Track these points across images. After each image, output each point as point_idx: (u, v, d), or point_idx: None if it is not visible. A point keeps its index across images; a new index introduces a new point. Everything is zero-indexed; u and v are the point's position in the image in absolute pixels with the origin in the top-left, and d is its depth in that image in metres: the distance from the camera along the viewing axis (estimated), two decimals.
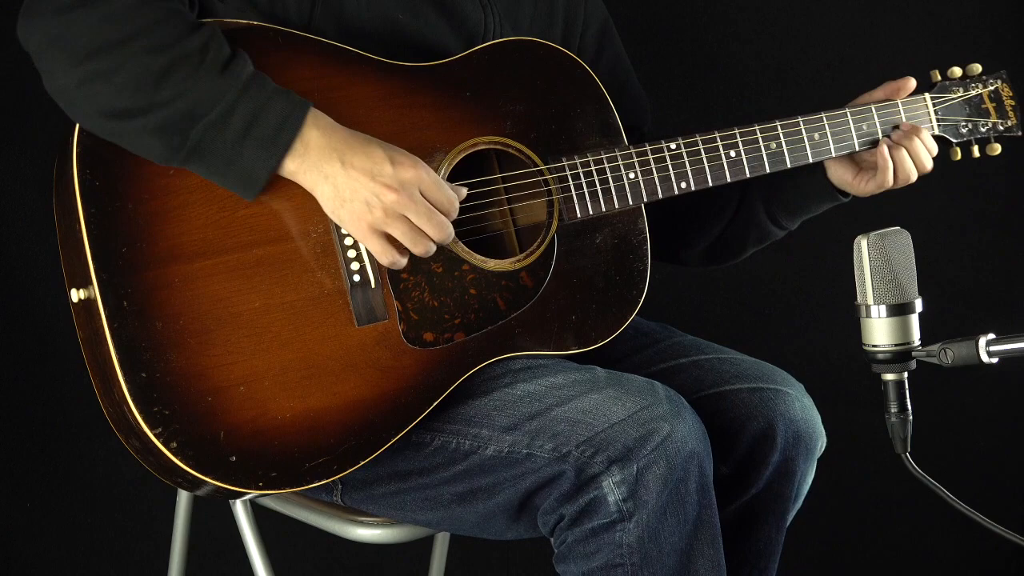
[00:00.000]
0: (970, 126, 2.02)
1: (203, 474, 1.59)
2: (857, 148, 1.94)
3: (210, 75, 1.56)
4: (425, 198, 1.63)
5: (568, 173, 1.81)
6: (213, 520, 2.12)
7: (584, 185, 1.82)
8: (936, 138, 1.99)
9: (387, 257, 1.65)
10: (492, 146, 1.79)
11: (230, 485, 1.61)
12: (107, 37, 1.54)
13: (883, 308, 1.53)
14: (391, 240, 1.64)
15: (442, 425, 1.74)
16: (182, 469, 1.59)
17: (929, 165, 1.94)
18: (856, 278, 1.55)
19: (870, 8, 2.69)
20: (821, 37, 2.70)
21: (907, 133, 1.93)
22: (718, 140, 1.88)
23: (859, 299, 1.55)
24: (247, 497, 1.89)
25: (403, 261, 1.67)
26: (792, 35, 2.71)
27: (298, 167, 1.61)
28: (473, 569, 2.77)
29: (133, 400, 1.57)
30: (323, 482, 1.65)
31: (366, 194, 1.61)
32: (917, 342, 1.54)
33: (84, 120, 1.58)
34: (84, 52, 1.54)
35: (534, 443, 1.67)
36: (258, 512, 1.94)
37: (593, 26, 2.08)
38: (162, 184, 1.62)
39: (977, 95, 2.02)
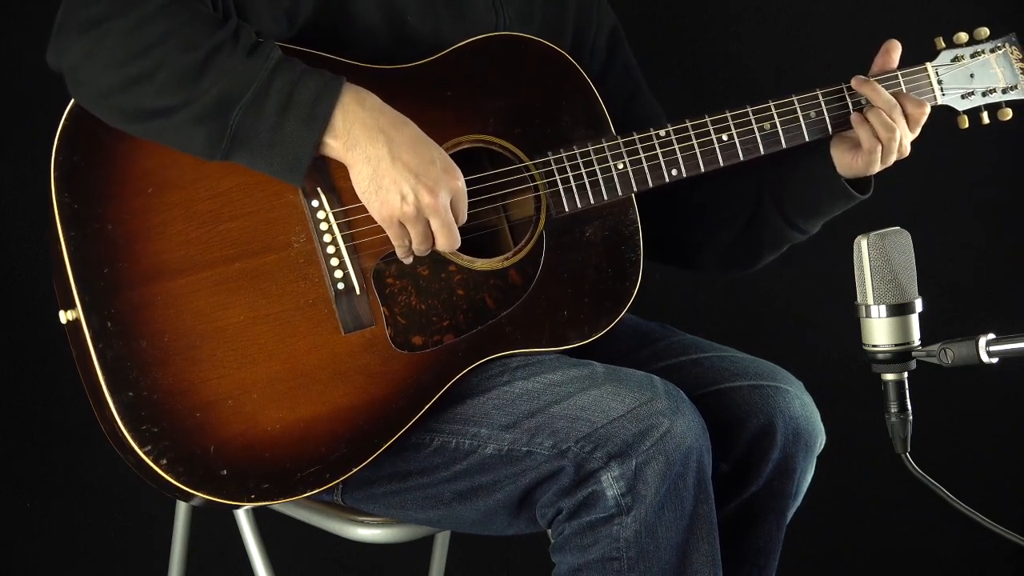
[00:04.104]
0: (978, 93, 1.96)
1: (195, 489, 1.61)
2: (853, 126, 1.87)
3: (241, 59, 1.58)
4: (451, 209, 1.65)
5: (554, 167, 1.80)
6: (213, 520, 2.12)
7: (571, 179, 1.81)
8: (941, 107, 1.94)
9: (403, 247, 1.68)
10: (475, 144, 1.78)
11: (222, 499, 1.63)
12: (142, 41, 1.56)
13: (883, 308, 1.53)
14: (405, 231, 1.66)
15: (441, 425, 1.74)
16: (173, 485, 1.60)
17: (893, 105, 1.85)
18: (856, 278, 1.54)
19: (870, 8, 2.68)
20: (821, 37, 2.70)
21: (862, 88, 1.87)
22: (709, 124, 1.85)
23: (859, 299, 1.55)
24: (241, 509, 1.90)
25: (410, 258, 1.70)
26: (792, 35, 2.71)
27: (342, 144, 1.61)
28: (473, 569, 2.77)
29: (121, 419, 1.58)
30: (316, 491, 1.66)
31: (405, 188, 1.62)
32: (917, 342, 1.54)
33: (126, 123, 1.61)
34: (122, 58, 1.56)
35: (534, 441, 1.68)
36: (258, 512, 1.94)
37: (604, 32, 2.08)
38: (141, 203, 1.63)
39: (984, 60, 1.95)
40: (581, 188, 1.81)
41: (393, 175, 1.62)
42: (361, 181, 1.63)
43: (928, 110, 1.88)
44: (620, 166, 1.83)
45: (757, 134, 1.87)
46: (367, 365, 1.69)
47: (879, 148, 1.86)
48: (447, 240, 1.67)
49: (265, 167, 1.61)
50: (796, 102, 1.88)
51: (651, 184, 1.83)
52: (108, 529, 2.62)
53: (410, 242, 1.68)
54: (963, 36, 1.97)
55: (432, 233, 1.67)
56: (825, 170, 1.93)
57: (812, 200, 1.96)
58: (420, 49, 1.79)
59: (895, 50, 1.93)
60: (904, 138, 1.88)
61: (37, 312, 2.47)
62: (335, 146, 1.61)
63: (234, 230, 1.65)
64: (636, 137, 1.83)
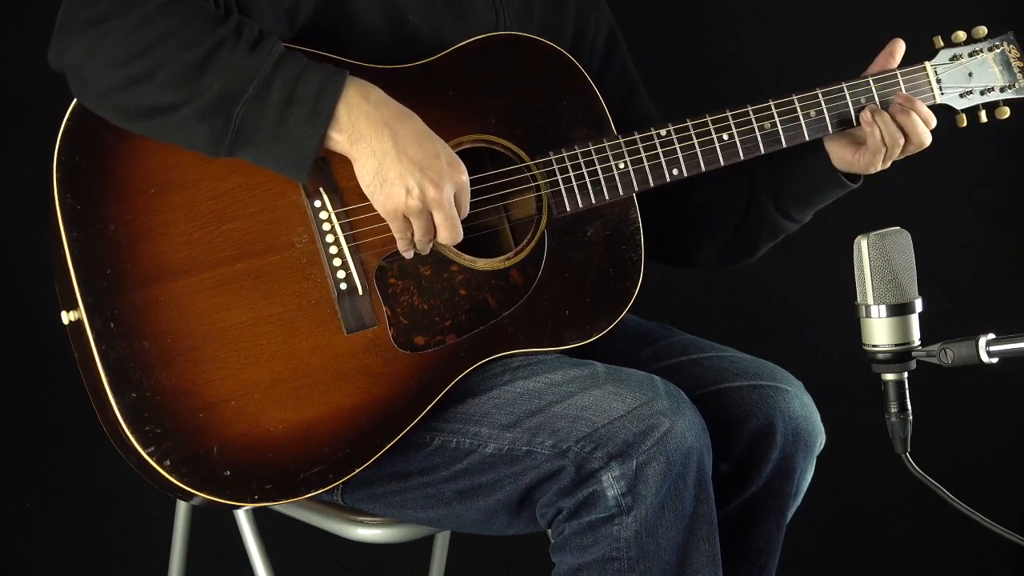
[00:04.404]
0: (976, 91, 1.96)
1: (198, 490, 1.61)
2: (856, 123, 1.89)
3: (243, 54, 1.58)
4: (454, 203, 1.65)
5: (556, 167, 1.80)
6: (213, 520, 2.12)
7: (572, 178, 1.81)
8: (940, 107, 1.95)
9: (405, 240, 1.67)
10: (477, 144, 1.79)
11: (225, 499, 1.63)
12: (142, 41, 1.56)
13: (883, 308, 1.53)
14: (409, 224, 1.66)
15: (442, 424, 1.74)
16: (176, 486, 1.60)
17: (922, 143, 1.88)
18: (856, 278, 1.54)
19: (870, 8, 2.68)
20: (821, 37, 2.70)
21: (899, 116, 1.88)
22: (709, 124, 1.86)
23: (859, 299, 1.55)
24: (243, 509, 1.90)
25: (411, 253, 1.69)
26: (792, 35, 2.71)
27: (346, 138, 1.61)
28: (473, 569, 2.77)
29: (124, 420, 1.58)
30: (319, 491, 1.66)
31: (410, 182, 1.62)
32: (917, 342, 1.54)
33: (128, 120, 1.60)
34: (122, 58, 1.56)
35: (534, 440, 1.68)
36: (258, 512, 1.94)
37: (603, 33, 2.08)
38: (143, 204, 1.63)
39: (983, 59, 1.96)
40: (582, 188, 1.81)
41: (399, 169, 1.62)
42: (366, 175, 1.63)
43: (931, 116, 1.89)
44: (621, 166, 1.83)
45: (758, 133, 1.87)
46: (369, 365, 1.69)
47: (883, 151, 1.87)
48: (450, 234, 1.67)
49: (270, 163, 1.61)
50: (796, 101, 1.88)
51: (652, 184, 1.83)
52: (108, 529, 2.62)
53: (412, 235, 1.68)
54: (961, 35, 1.97)
55: (435, 227, 1.67)
56: (821, 165, 1.94)
57: (808, 193, 1.98)
58: (420, 49, 1.79)
59: (899, 51, 1.94)
60: (908, 148, 1.89)
61: (37, 312, 2.47)
62: (340, 140, 1.61)
63: (237, 230, 1.65)
64: (637, 136, 1.83)
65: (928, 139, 1.88)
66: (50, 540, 2.60)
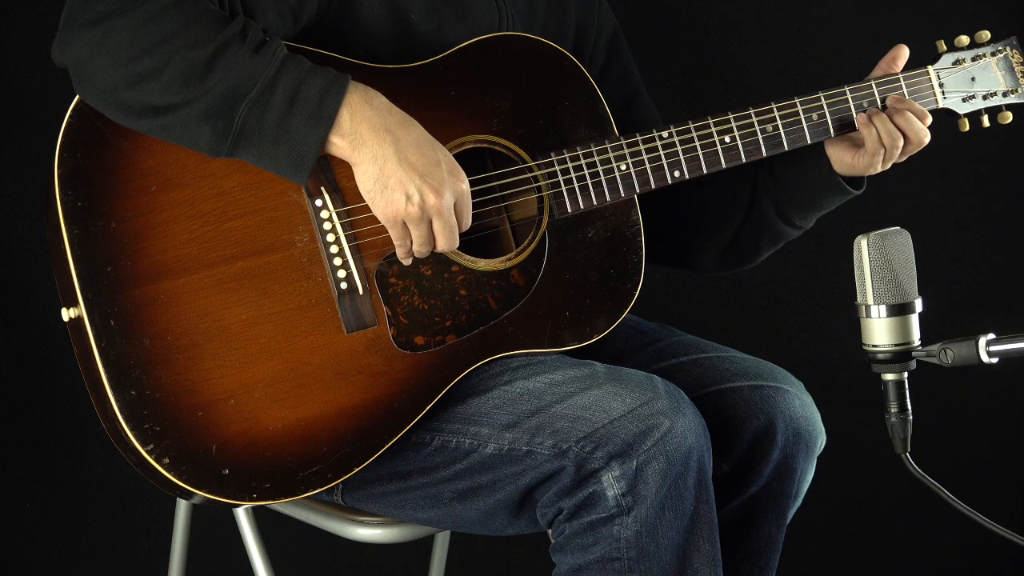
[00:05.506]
0: (979, 96, 1.96)
1: (196, 488, 1.61)
2: (857, 126, 1.88)
3: (247, 56, 1.57)
4: (454, 212, 1.65)
5: (557, 168, 1.80)
6: (214, 520, 2.13)
7: (574, 180, 1.81)
8: (943, 111, 1.95)
9: (404, 247, 1.68)
10: (478, 144, 1.79)
11: (224, 498, 1.63)
12: (148, 39, 1.56)
13: (883, 308, 1.53)
14: (408, 232, 1.66)
15: (442, 424, 1.74)
16: (175, 484, 1.61)
17: (921, 141, 1.88)
18: (856, 278, 1.55)
19: (870, 8, 2.69)
20: (821, 37, 2.70)
21: (895, 118, 1.88)
22: (711, 126, 1.86)
23: (859, 299, 1.55)
24: (242, 508, 1.90)
25: (410, 260, 1.70)
26: (792, 35, 2.71)
27: (348, 143, 1.61)
28: (473, 569, 2.77)
29: (124, 417, 1.58)
30: (318, 491, 1.66)
31: (411, 188, 1.62)
32: (917, 342, 1.54)
33: (131, 118, 1.60)
34: (128, 55, 1.56)
35: (534, 440, 1.68)
36: (258, 512, 1.94)
37: (604, 35, 2.08)
38: (144, 202, 1.63)
39: (986, 63, 1.96)
40: (584, 189, 1.81)
41: (399, 175, 1.62)
42: (366, 181, 1.63)
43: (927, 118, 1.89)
44: (623, 167, 1.83)
45: (759, 136, 1.87)
46: (369, 365, 1.69)
47: (882, 152, 1.87)
48: (447, 242, 1.67)
49: (270, 164, 1.61)
50: (799, 104, 1.88)
51: (653, 185, 1.83)
52: (108, 529, 2.62)
53: (411, 243, 1.68)
54: (964, 39, 1.97)
55: (433, 235, 1.67)
56: (821, 169, 1.93)
57: (809, 198, 1.97)
58: (423, 48, 1.80)
59: (902, 57, 1.93)
60: (908, 148, 1.89)
61: (37, 311, 2.47)
62: (341, 145, 1.61)
63: (237, 229, 1.66)
64: (639, 138, 1.83)
65: (927, 137, 1.88)
66: (50, 540, 2.60)
